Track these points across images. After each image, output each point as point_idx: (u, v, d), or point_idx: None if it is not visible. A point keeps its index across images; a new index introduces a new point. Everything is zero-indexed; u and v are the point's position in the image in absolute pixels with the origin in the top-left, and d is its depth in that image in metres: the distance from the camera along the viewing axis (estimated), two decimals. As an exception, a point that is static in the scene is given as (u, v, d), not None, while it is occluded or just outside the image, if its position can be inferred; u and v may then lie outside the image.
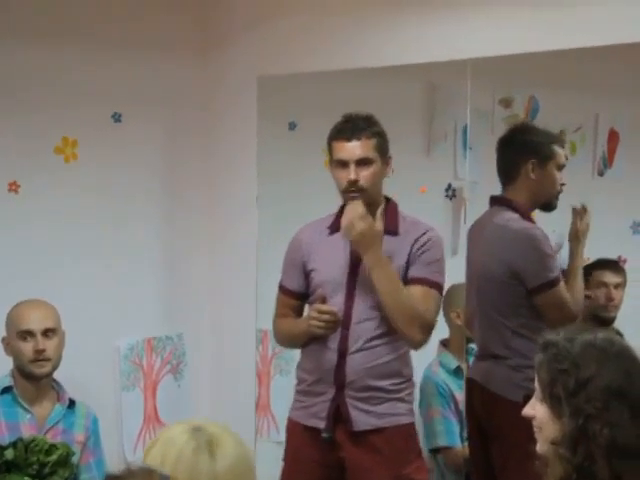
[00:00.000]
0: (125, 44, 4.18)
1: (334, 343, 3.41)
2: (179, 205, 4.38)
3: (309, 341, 3.49)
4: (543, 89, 4.91)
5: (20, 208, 3.97)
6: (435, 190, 4.69)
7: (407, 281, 3.38)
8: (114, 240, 4.19)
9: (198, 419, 2.12)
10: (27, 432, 3.51)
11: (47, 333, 3.65)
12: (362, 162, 3.39)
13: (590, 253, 3.88)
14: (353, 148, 3.39)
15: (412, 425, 3.48)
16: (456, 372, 4.33)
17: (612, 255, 4.52)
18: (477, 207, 4.58)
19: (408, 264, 3.40)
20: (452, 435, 4.26)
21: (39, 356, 3.62)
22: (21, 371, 3.65)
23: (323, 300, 3.39)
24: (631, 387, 2.21)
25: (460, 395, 4.29)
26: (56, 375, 3.73)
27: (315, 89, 4.31)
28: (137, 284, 4.26)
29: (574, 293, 3.71)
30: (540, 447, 2.33)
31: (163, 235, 4.36)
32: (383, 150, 3.45)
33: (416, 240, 3.42)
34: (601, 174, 5.31)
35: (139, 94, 4.24)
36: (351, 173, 3.38)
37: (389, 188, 3.73)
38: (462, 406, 4.28)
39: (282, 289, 3.62)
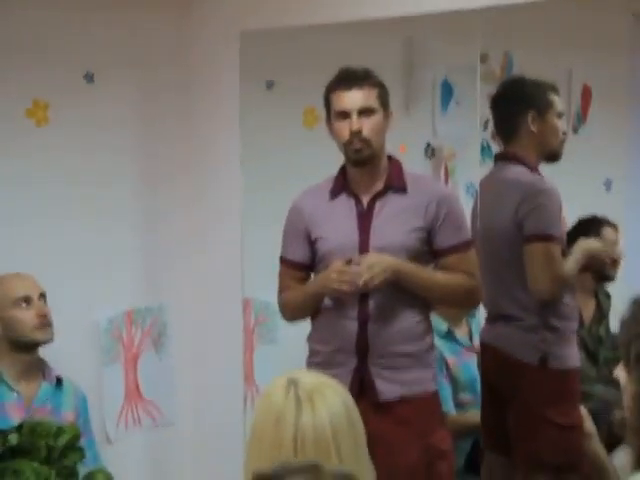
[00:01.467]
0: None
1: (353, 311, 3.25)
2: (159, 168, 4.15)
3: (322, 311, 3.32)
4: (517, 45, 4.83)
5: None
6: (414, 149, 4.58)
7: (443, 251, 3.27)
8: (89, 207, 3.95)
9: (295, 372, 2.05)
10: (13, 413, 3.31)
11: (42, 298, 3.51)
12: (364, 112, 3.23)
13: (564, 211, 3.79)
14: (354, 97, 3.23)
15: (436, 392, 3.37)
16: (447, 335, 4.22)
17: (587, 212, 4.46)
18: (465, 162, 4.51)
19: (430, 229, 3.27)
20: (445, 401, 4.12)
21: (44, 321, 3.44)
22: (16, 344, 3.43)
23: (347, 262, 3.21)
24: None
25: (452, 359, 4.20)
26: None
27: (294, 46, 4.15)
28: (115, 253, 4.03)
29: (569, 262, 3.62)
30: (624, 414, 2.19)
31: (142, 200, 4.13)
32: (385, 101, 3.30)
33: (432, 201, 3.27)
34: (575, 131, 5.25)
35: (114, 52, 3.99)
36: (354, 123, 3.22)
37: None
38: (455, 371, 4.19)
39: (285, 261, 3.43)
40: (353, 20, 3.89)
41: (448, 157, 4.64)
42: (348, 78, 3.26)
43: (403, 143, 4.30)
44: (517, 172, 3.67)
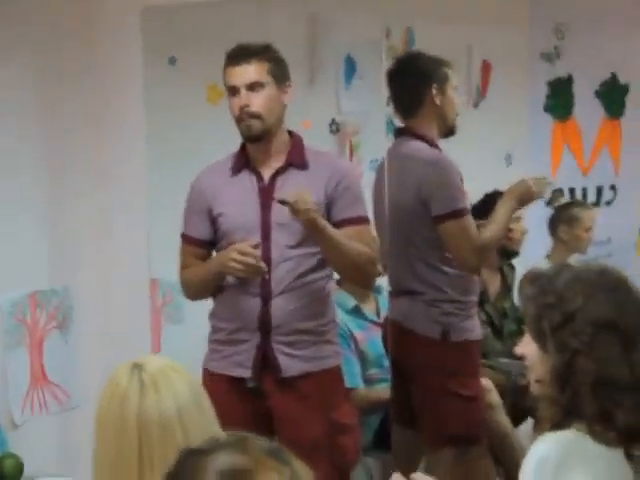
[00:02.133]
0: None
1: (255, 287, 3.25)
2: (63, 150, 4.06)
3: (225, 288, 3.31)
4: (418, 21, 4.86)
5: None
6: (319, 125, 4.58)
7: (342, 222, 3.26)
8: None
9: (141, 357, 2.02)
10: None
11: None
12: (253, 87, 3.21)
13: (466, 186, 3.83)
14: (241, 72, 3.23)
15: (339, 367, 3.40)
16: (354, 311, 4.25)
17: (488, 188, 4.51)
18: (370, 138, 4.51)
19: (328, 203, 3.27)
20: (353, 376, 4.13)
21: None
22: None
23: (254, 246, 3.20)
24: (622, 319, 2.13)
25: (360, 334, 4.22)
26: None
27: (197, 22, 4.11)
28: (19, 235, 3.93)
29: (489, 232, 3.64)
30: (532, 388, 2.23)
31: (46, 183, 4.03)
32: (278, 76, 3.28)
33: (332, 175, 3.28)
34: (476, 106, 5.32)
35: (13, 28, 3.88)
36: (242, 98, 3.21)
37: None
38: (363, 347, 4.20)
39: (186, 238, 3.41)
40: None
41: (353, 133, 4.65)
42: (237, 54, 3.25)
43: (308, 119, 4.31)
44: (417, 148, 3.69)
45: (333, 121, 4.66)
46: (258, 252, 3.18)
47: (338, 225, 3.26)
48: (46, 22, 3.98)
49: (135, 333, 4.07)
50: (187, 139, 4.05)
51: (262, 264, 3.18)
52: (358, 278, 3.38)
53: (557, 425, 2.12)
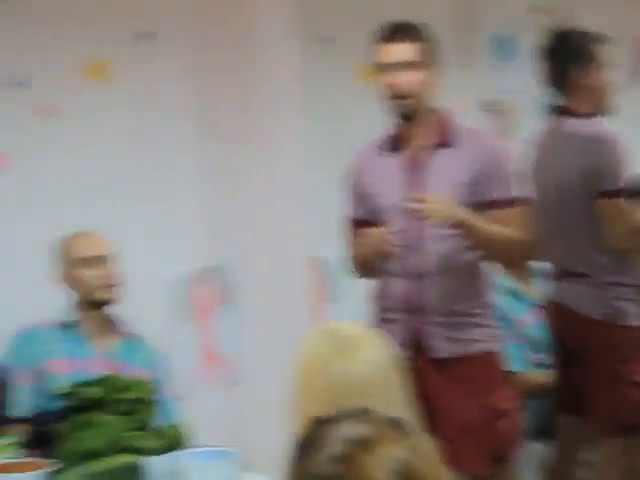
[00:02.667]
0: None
1: (409, 268, 3.25)
2: (215, 126, 4.16)
3: (382, 269, 3.33)
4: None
5: (59, 133, 3.86)
6: (473, 105, 4.60)
7: (491, 204, 3.23)
8: (153, 168, 4.03)
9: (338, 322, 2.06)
10: (92, 368, 3.39)
11: (108, 259, 3.58)
12: (408, 65, 3.21)
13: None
14: (398, 50, 3.22)
15: (496, 352, 3.35)
16: (515, 294, 4.18)
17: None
18: (527, 117, 4.49)
19: (477, 183, 3.23)
20: (514, 360, 4.05)
21: (108, 281, 3.53)
22: (86, 302, 3.53)
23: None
24: None
25: (520, 318, 4.14)
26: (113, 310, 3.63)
27: (351, 2, 4.17)
28: (187, 215, 4.11)
29: None
30: None
31: (206, 159, 4.15)
32: (431, 56, 3.27)
33: (480, 156, 3.24)
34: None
35: (171, 11, 4.04)
36: (397, 76, 3.20)
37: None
38: (523, 330, 4.15)
39: (347, 219, 3.45)
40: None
41: (508, 112, 4.65)
42: (392, 32, 3.24)
43: (462, 99, 4.32)
44: (575, 125, 3.62)
45: (487, 101, 4.66)
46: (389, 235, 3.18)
47: (487, 206, 3.22)
48: (204, 2, 4.12)
49: (296, 310, 4.17)
50: (341, 118, 4.12)
51: (391, 245, 3.17)
52: (511, 263, 3.31)
53: None
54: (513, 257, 3.28)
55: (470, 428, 3.22)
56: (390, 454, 1.47)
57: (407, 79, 3.21)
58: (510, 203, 3.26)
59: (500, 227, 3.21)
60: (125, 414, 2.89)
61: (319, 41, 4.31)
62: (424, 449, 1.54)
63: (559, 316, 3.72)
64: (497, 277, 4.11)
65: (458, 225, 3.13)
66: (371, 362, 1.96)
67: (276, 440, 3.66)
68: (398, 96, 3.23)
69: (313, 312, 4.24)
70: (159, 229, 4.05)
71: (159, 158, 4.07)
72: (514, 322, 4.14)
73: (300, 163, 4.07)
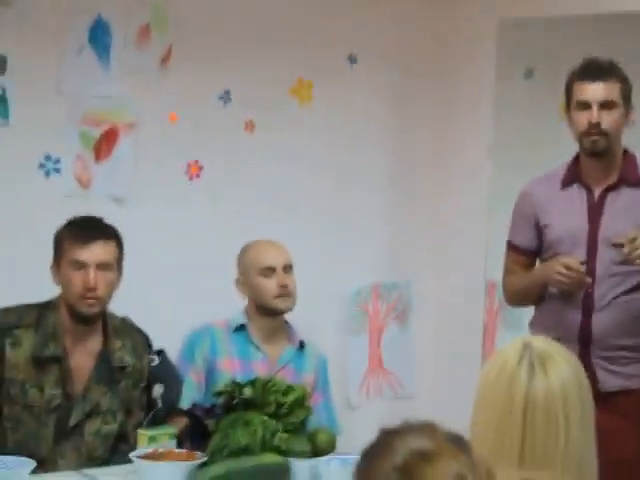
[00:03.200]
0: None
1: (578, 301, 3.27)
2: (408, 151, 4.33)
3: (547, 298, 3.37)
4: None
5: (254, 148, 4.01)
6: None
7: None
8: (342, 184, 4.19)
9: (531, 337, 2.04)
10: (259, 371, 3.53)
11: (287, 269, 3.68)
12: (606, 105, 3.23)
13: None
14: (597, 89, 3.24)
15: None
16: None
17: None
18: None
19: None
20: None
21: (284, 291, 3.64)
22: (261, 309, 3.67)
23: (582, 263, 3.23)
24: None
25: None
26: (287, 316, 3.75)
27: (556, 34, 4.16)
28: (363, 229, 4.24)
29: None
30: None
31: (391, 181, 4.31)
32: (627, 97, 3.28)
33: None
34: None
35: (375, 36, 4.18)
36: (594, 114, 3.22)
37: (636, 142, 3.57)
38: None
39: (511, 246, 3.48)
40: (611, 12, 3.88)
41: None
42: (593, 70, 3.27)
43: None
44: None
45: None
46: (583, 268, 3.22)
47: None
48: (406, 30, 4.25)
49: (469, 333, 4.20)
50: (531, 152, 4.12)
51: (587, 279, 3.22)
52: None
53: None
54: None
55: (629, 463, 3.20)
56: (449, 468, 1.56)
57: (603, 118, 3.24)
58: None
59: None
60: (280, 416, 3.00)
61: (522, 72, 4.32)
62: (480, 468, 1.60)
63: None
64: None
65: None
66: (565, 380, 1.94)
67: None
68: (592, 133, 3.25)
69: (487, 336, 4.25)
70: (343, 244, 4.19)
71: (349, 173, 4.20)
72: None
73: (485, 188, 4.11)
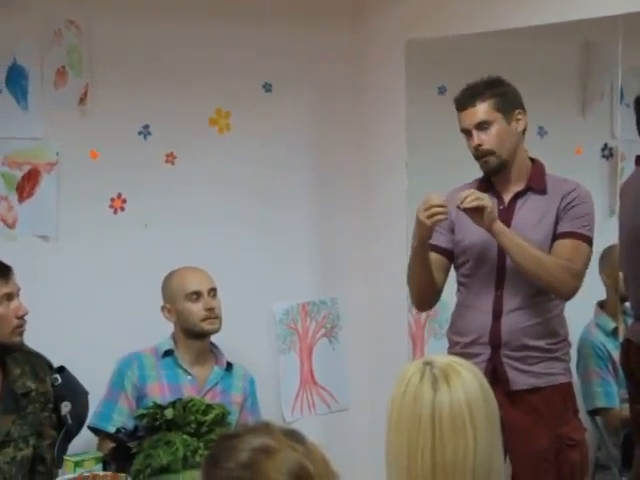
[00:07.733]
0: (272, 13, 4.27)
1: (488, 305, 3.44)
2: (329, 172, 4.46)
3: (459, 306, 3.54)
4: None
5: (176, 179, 4.11)
6: (591, 151, 4.63)
7: (556, 237, 3.39)
8: (266, 207, 4.30)
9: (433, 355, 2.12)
10: (188, 393, 3.65)
11: (212, 293, 3.82)
12: (479, 126, 3.42)
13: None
14: (468, 115, 3.44)
15: (569, 384, 3.50)
16: (613, 333, 4.29)
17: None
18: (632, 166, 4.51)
19: (557, 221, 3.41)
20: (610, 396, 4.24)
21: (211, 314, 3.77)
22: (188, 332, 3.79)
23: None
24: None
25: (617, 356, 4.25)
26: (214, 339, 3.87)
27: (464, 52, 4.29)
28: (291, 250, 4.36)
29: None
30: None
31: (314, 202, 4.44)
32: (505, 108, 3.43)
33: (564, 197, 3.42)
34: None
35: (288, 64, 4.32)
36: (474, 139, 3.42)
37: (542, 150, 3.72)
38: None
39: (430, 246, 3.55)
40: (517, 27, 4.01)
41: (622, 159, 4.67)
42: (462, 99, 3.46)
43: (579, 145, 4.40)
44: None
45: (606, 146, 4.70)
46: (442, 200, 3.34)
47: (556, 238, 3.39)
48: (319, 56, 4.39)
49: (397, 344, 4.33)
50: (446, 168, 4.25)
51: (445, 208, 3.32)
52: (551, 287, 3.38)
53: None
54: (550, 279, 3.34)
55: (541, 458, 3.37)
56: (289, 458, 1.77)
57: (482, 139, 3.42)
58: (570, 236, 3.39)
59: (538, 249, 3.34)
60: (200, 435, 3.12)
61: (433, 90, 4.45)
62: (316, 454, 1.82)
63: (632, 354, 3.78)
64: (599, 317, 4.36)
65: (487, 223, 3.29)
66: (469, 390, 2.01)
67: (368, 467, 3.86)
68: (480, 156, 3.46)
69: (415, 347, 4.38)
70: (269, 265, 4.31)
71: (272, 199, 4.33)
72: (611, 360, 4.27)
73: (403, 205, 4.23)
